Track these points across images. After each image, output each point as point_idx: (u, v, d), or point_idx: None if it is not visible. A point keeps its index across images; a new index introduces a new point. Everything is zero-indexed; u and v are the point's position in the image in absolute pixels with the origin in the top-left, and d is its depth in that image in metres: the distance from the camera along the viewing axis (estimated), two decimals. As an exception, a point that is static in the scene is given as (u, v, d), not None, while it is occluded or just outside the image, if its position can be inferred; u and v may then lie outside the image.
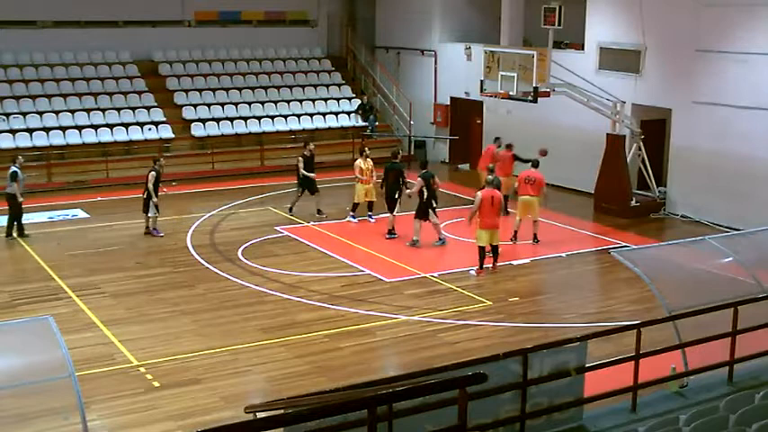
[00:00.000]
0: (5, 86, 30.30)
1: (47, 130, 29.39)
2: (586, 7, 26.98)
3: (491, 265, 19.59)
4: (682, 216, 24.52)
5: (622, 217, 24.35)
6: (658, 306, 11.99)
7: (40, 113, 29.87)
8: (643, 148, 25.10)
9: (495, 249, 19.49)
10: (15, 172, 22.01)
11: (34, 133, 29.16)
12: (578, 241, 22.44)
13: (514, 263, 20.30)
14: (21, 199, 21.89)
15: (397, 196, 22.33)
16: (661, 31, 24.69)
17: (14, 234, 22.05)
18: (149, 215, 22.41)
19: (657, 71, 24.99)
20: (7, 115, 29.38)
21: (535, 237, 21.89)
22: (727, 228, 22.36)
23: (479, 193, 19.42)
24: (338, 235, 22.52)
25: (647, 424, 9.63)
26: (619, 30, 26.04)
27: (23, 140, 28.82)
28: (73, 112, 30.28)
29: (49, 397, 11.75)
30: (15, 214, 22.09)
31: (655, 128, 25.74)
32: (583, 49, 27.34)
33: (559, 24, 24.13)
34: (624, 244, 21.29)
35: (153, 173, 22.21)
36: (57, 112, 30.08)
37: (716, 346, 11.23)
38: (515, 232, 21.86)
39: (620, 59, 25.97)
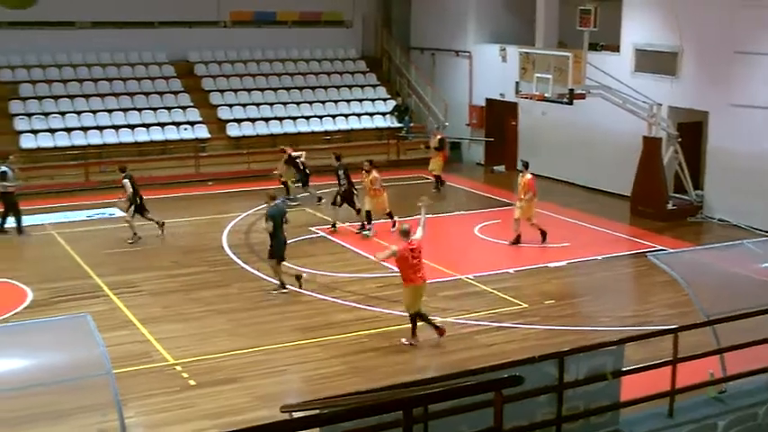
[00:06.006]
0: (44, 86, 30.65)
1: (84, 129, 29.69)
2: (622, 9, 26.82)
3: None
4: (719, 219, 24.30)
5: (659, 220, 24.17)
6: (695, 310, 11.89)
7: (78, 113, 30.18)
8: (680, 150, 24.92)
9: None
10: (5, 171, 22.28)
11: (72, 132, 29.46)
12: (614, 244, 22.30)
13: (550, 265, 20.21)
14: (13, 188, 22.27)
15: None
16: (698, 32, 24.49)
17: (18, 228, 22.55)
18: None
19: (694, 73, 24.79)
20: (46, 115, 29.73)
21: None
22: (765, 232, 22.16)
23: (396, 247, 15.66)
24: (374, 236, 22.51)
25: (684, 429, 9.56)
26: (655, 31, 25.86)
27: (62, 140, 29.13)
28: (110, 111, 30.58)
29: (86, 394, 11.83)
30: (15, 211, 22.51)
31: (691, 130, 25.53)
32: (618, 51, 27.16)
33: (595, 26, 24.04)
34: (661, 247, 21.14)
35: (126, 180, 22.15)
36: (94, 112, 30.38)
37: (755, 351, 11.11)
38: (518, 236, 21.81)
39: (656, 61, 25.80)
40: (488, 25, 32.43)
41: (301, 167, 25.66)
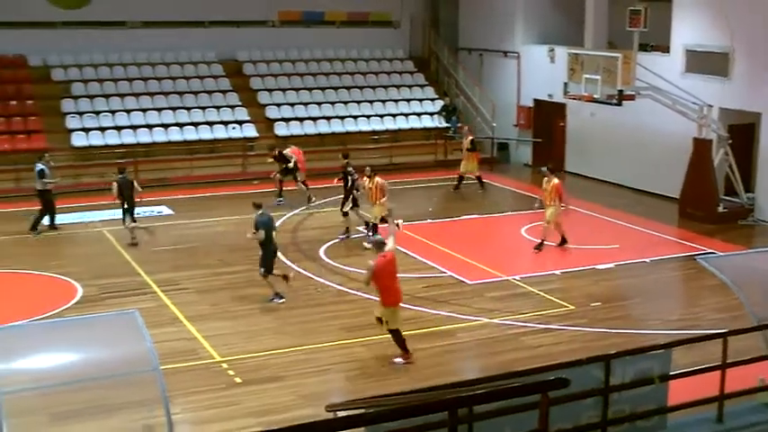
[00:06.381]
0: (96, 85, 31.03)
1: (134, 128, 30.00)
2: (672, 9, 26.54)
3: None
4: (771, 223, 24.02)
5: (708, 223, 23.88)
6: (745, 314, 11.74)
7: (128, 111, 30.51)
8: (731, 152, 24.61)
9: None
10: (42, 169, 22.52)
11: (122, 131, 29.78)
12: (663, 247, 22.05)
13: (597, 267, 20.07)
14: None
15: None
16: (750, 33, 24.14)
17: (45, 226, 22.78)
18: None
19: (746, 74, 24.44)
20: (97, 113, 30.09)
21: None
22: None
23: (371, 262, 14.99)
24: (420, 236, 22.50)
25: (733, 435, 9.43)
26: (706, 32, 25.55)
27: (112, 138, 29.46)
28: (159, 110, 30.87)
29: (133, 389, 11.94)
30: (50, 209, 22.76)
31: (743, 132, 25.20)
32: (668, 52, 26.88)
33: (645, 27, 23.82)
34: (710, 250, 20.92)
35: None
36: (144, 111, 30.69)
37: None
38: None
39: (707, 62, 25.49)
40: (536, 26, 32.26)
41: (290, 164, 25.55)
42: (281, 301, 17.70)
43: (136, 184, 22.21)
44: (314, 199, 25.74)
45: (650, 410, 9.89)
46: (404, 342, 14.78)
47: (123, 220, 21.83)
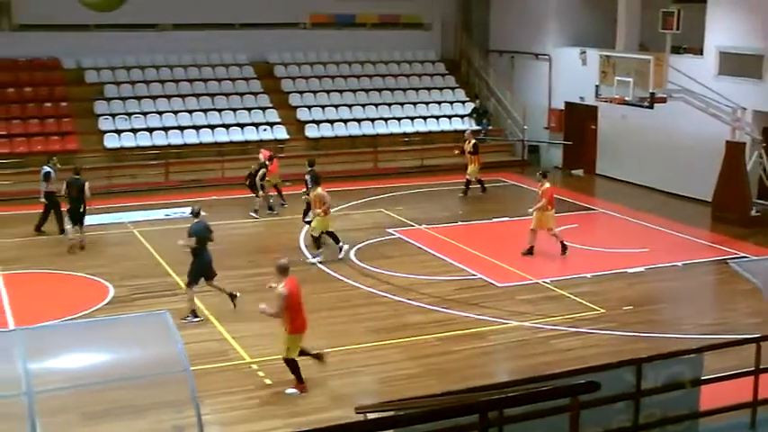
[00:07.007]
0: (128, 87, 31.25)
1: (166, 129, 30.17)
2: (706, 11, 26.34)
3: None
4: (804, 227, 23.75)
5: (741, 226, 23.64)
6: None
7: (160, 113, 30.70)
8: (764, 155, 24.39)
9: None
10: (48, 172, 22.56)
11: (154, 133, 29.96)
12: (695, 250, 21.89)
13: (629, 270, 19.94)
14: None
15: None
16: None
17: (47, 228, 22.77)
18: None
19: (781, 77, 24.24)
20: (129, 115, 30.29)
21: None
22: None
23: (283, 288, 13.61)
24: (450, 238, 22.48)
25: (766, 441, 9.34)
26: (740, 34, 25.33)
27: (143, 140, 29.64)
28: (191, 112, 31.04)
29: (163, 390, 12.02)
30: (57, 211, 22.62)
31: (777, 135, 25.01)
32: (702, 54, 26.68)
33: (678, 29, 23.64)
34: (743, 254, 20.74)
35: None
36: (175, 113, 30.85)
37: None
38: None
39: (740, 64, 25.28)
40: (568, 28, 32.12)
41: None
42: (197, 320, 16.73)
43: (87, 188, 21.52)
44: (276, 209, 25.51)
45: (682, 415, 9.82)
46: (299, 371, 13.81)
47: (72, 223, 21.41)
